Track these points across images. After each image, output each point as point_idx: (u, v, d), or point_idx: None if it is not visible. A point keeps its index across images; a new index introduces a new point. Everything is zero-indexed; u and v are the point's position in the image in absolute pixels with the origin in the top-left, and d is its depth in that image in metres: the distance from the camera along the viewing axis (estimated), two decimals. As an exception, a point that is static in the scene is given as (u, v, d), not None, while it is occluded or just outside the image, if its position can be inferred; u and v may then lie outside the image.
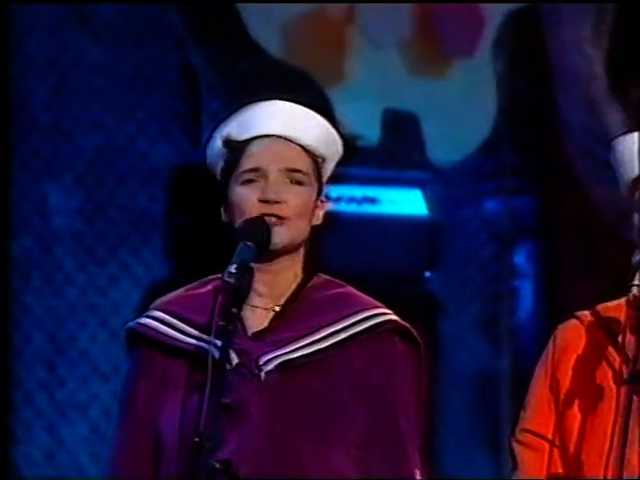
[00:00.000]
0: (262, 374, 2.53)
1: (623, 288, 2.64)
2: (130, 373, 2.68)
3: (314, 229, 2.62)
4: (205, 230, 4.55)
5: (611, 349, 2.67)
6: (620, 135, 2.75)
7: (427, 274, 4.64)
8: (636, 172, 2.67)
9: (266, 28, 5.03)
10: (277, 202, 2.56)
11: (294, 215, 2.58)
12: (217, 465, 2.44)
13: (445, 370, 4.82)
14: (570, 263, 5.54)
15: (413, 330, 2.59)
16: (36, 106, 4.89)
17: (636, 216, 2.67)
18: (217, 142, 2.63)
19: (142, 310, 4.80)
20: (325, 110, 2.65)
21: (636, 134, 2.71)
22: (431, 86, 5.23)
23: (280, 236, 2.57)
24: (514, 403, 4.79)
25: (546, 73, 5.41)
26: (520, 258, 5.64)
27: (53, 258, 5.12)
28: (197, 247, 4.87)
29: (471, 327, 5.44)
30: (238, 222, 2.57)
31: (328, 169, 2.68)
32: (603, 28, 5.38)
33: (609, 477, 2.57)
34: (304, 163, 2.60)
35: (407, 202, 4.73)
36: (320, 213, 2.63)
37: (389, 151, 4.86)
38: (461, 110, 5.26)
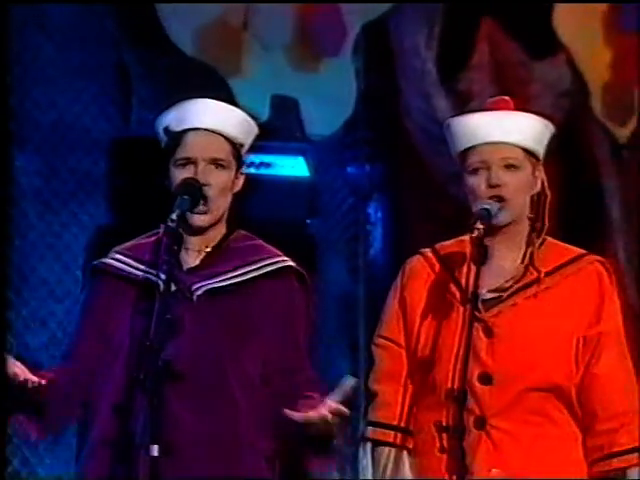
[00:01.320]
0: (194, 297, 2.59)
1: (456, 231, 2.76)
2: (91, 293, 2.74)
3: (235, 194, 2.66)
4: (134, 187, 4.56)
5: (448, 278, 2.70)
6: (451, 117, 2.81)
7: (308, 221, 4.65)
8: (464, 146, 2.70)
9: (182, 33, 4.89)
10: (204, 185, 2.58)
11: (217, 194, 2.60)
12: (161, 363, 2.45)
13: (319, 294, 4.89)
14: (410, 213, 5.47)
15: (305, 273, 2.69)
16: (4, 91, 4.71)
17: (465, 177, 2.70)
18: (160, 129, 2.65)
19: (87, 248, 4.85)
20: (234, 102, 2.78)
21: (462, 117, 2.75)
22: (307, 78, 5.15)
23: (203, 220, 2.61)
24: (369, 318, 5.09)
25: (392, 69, 5.33)
26: (373, 209, 5.56)
27: (19, 209, 4.98)
28: (128, 201, 4.71)
29: (337, 261, 5.40)
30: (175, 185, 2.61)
31: (246, 150, 2.70)
32: (433, 36, 5.31)
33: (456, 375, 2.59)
34: (225, 152, 2.62)
35: (293, 166, 4.75)
36: (240, 182, 2.67)
37: (277, 128, 4.81)
38: (330, 97, 5.14)
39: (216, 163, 2.60)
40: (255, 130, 2.71)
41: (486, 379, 2.58)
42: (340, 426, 2.52)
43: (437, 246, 2.76)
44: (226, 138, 2.62)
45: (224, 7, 4.90)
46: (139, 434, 2.49)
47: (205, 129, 2.61)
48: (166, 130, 2.63)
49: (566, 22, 5.35)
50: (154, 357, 2.46)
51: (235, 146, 2.63)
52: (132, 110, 5.05)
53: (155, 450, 2.41)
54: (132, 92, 5.06)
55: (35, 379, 2.60)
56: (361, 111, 5.22)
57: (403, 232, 5.44)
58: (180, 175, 2.59)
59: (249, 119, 2.69)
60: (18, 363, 2.59)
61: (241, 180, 2.67)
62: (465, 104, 4.96)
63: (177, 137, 2.61)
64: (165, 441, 2.43)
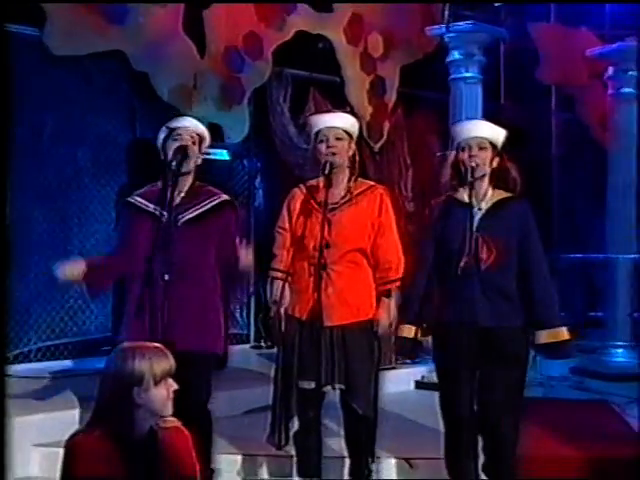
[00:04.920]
0: (179, 224, 2.61)
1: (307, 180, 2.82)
2: (123, 221, 2.78)
3: (198, 165, 2.74)
4: (139, 167, 4.48)
5: (310, 197, 2.81)
6: (309, 116, 2.99)
7: (228, 184, 4.78)
8: (316, 129, 2.75)
9: (162, 89, 4.64)
10: (186, 149, 2.67)
11: (190, 156, 2.67)
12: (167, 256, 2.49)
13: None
14: (275, 183, 5.43)
15: (236, 203, 2.80)
16: (75, 125, 4.64)
17: (315, 146, 2.70)
18: (164, 127, 2.76)
19: (116, 196, 4.83)
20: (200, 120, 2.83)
21: (315, 115, 2.85)
22: (226, 115, 4.90)
23: (184, 167, 2.61)
24: (255, 232, 5.26)
25: (266, 112, 5.29)
26: (257, 181, 5.61)
27: (80, 178, 4.75)
28: (136, 173, 4.58)
29: (240, 205, 4.60)
30: (170, 152, 2.62)
31: (206, 143, 2.81)
32: (287, 95, 5.23)
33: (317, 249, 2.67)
34: (194, 138, 2.72)
35: (221, 155, 4.70)
36: (199, 160, 2.75)
37: (211, 138, 4.23)
38: (236, 124, 4.99)
39: (192, 140, 2.69)
40: (207, 134, 2.82)
41: (327, 245, 2.68)
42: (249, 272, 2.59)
43: (306, 183, 2.86)
44: (195, 132, 2.74)
45: (183, 76, 4.72)
46: (158, 269, 2.54)
47: (183, 127, 2.74)
48: (167, 127, 2.73)
49: (352, 91, 5.58)
50: (165, 251, 2.52)
51: (200, 137, 2.75)
52: (136, 129, 5.02)
53: (167, 276, 2.53)
54: (136, 119, 5.00)
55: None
56: (252, 132, 5.23)
57: (272, 192, 5.53)
58: (175, 143, 2.65)
59: (203, 126, 2.81)
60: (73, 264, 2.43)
61: (200, 159, 2.74)
62: (303, 130, 4.98)
63: (174, 128, 2.72)
64: (173, 271, 2.54)
